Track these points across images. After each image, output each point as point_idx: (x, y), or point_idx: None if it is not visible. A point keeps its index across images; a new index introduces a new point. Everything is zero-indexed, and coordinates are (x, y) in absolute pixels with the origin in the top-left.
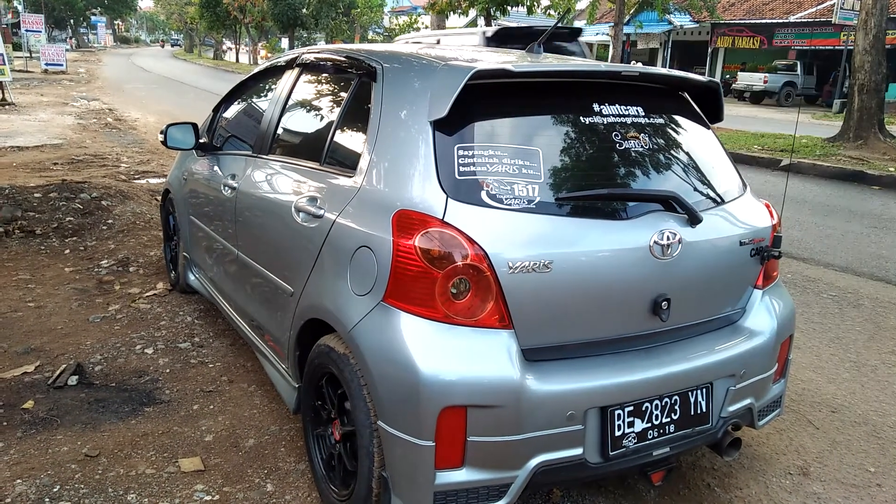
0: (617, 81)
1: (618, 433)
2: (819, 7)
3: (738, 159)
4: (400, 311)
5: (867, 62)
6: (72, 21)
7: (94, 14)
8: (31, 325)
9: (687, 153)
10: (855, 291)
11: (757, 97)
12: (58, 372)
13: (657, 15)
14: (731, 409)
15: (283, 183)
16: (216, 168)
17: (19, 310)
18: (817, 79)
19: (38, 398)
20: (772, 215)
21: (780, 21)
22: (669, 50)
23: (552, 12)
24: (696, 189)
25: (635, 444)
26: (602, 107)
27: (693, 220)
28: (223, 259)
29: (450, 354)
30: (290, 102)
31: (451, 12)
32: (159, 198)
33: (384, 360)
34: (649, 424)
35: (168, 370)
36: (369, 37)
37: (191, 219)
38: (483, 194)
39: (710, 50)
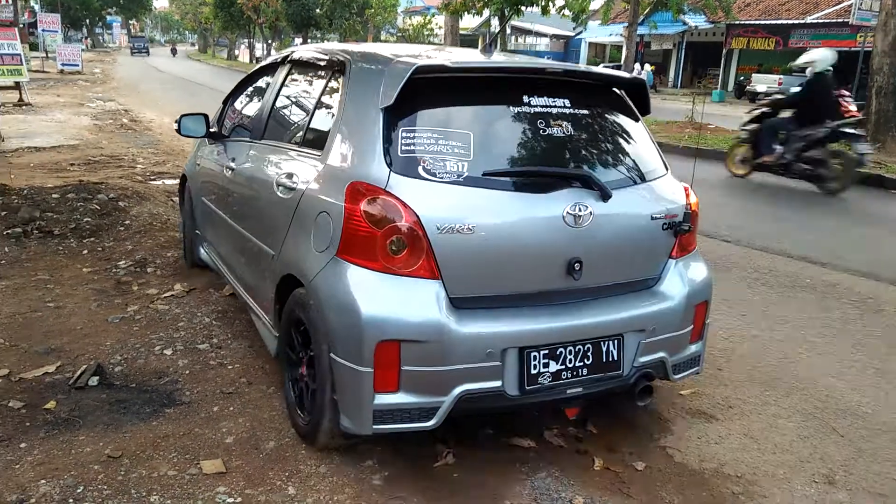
0: (549, 77)
1: (534, 371)
2: (836, 7)
3: None
4: (349, 263)
5: (886, 64)
6: (87, 21)
7: (110, 14)
8: (51, 326)
9: (609, 140)
10: (876, 297)
11: None
12: (78, 372)
13: (672, 15)
14: (643, 360)
15: (270, 162)
16: (222, 153)
17: (39, 310)
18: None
19: (60, 398)
20: (688, 196)
21: (797, 22)
22: (683, 51)
23: (566, 12)
24: (614, 169)
25: (550, 382)
26: (531, 98)
27: (604, 195)
28: (224, 232)
29: (387, 298)
30: (280, 94)
31: (466, 12)
32: (176, 198)
33: (336, 303)
34: (563, 367)
35: (188, 371)
36: (382, 37)
37: (201, 199)
38: (420, 169)
39: (724, 51)
